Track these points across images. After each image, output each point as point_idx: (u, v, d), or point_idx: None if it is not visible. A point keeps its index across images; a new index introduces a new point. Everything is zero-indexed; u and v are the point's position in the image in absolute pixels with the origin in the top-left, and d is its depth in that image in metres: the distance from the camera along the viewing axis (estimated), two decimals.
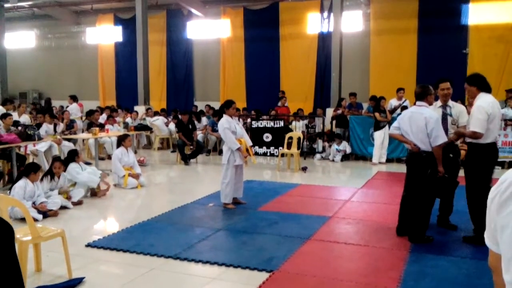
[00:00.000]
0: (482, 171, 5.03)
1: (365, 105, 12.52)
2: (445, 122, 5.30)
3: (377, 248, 4.90)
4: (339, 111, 11.96)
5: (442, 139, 4.88)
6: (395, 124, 5.35)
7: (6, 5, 16.73)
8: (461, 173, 5.38)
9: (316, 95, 15.60)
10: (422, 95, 5.11)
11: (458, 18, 13.89)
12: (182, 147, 10.94)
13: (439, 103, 5.47)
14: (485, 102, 4.87)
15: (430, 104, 5.17)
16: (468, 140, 5.09)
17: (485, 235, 1.34)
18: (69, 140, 10.21)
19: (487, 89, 5.01)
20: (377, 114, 10.56)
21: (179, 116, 12.18)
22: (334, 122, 11.90)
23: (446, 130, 5.22)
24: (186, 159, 10.83)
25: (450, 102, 5.50)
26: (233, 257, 4.62)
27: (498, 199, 1.22)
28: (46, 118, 9.91)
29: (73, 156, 7.30)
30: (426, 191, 4.98)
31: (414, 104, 5.40)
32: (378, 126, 10.58)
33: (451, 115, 5.38)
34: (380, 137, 10.60)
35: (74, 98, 14.46)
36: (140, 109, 14.36)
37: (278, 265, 4.37)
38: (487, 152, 5.00)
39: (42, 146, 9.17)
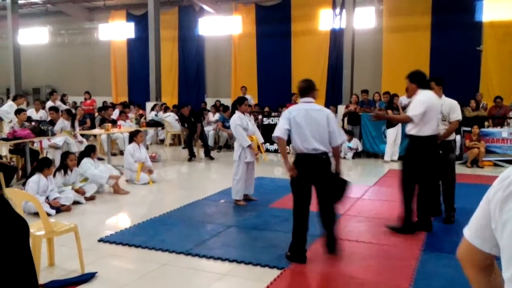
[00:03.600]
0: (422, 164, 5.13)
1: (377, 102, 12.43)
2: None
3: (389, 246, 4.87)
4: (350, 108, 11.90)
5: (343, 137, 4.59)
6: (283, 125, 4.42)
7: (20, 1, 16.89)
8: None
9: (327, 92, 15.53)
10: (308, 90, 4.55)
11: (472, 15, 13.71)
12: (190, 142, 10.93)
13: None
14: (424, 96, 5.13)
15: (315, 99, 4.59)
16: (409, 132, 5.25)
17: (468, 228, 1.34)
18: (82, 135, 10.29)
19: (426, 86, 5.28)
20: (389, 112, 10.50)
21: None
22: (345, 119, 11.84)
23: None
24: (193, 155, 10.82)
25: (442, 99, 5.61)
26: (244, 254, 4.63)
27: (501, 194, 1.21)
28: (63, 114, 10.00)
29: (89, 151, 7.39)
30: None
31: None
32: (390, 124, 10.51)
33: (441, 112, 5.51)
34: (393, 135, 10.54)
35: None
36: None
37: (289, 262, 4.37)
38: (426, 144, 5.10)
39: (59, 141, 9.26)
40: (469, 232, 1.34)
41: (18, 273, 1.29)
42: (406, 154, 5.45)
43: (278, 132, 4.44)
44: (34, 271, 1.36)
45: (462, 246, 1.38)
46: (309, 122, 4.34)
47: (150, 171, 8.29)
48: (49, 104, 12.65)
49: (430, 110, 5.04)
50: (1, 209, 1.27)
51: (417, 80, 5.26)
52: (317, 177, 4.45)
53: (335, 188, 4.55)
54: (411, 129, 5.18)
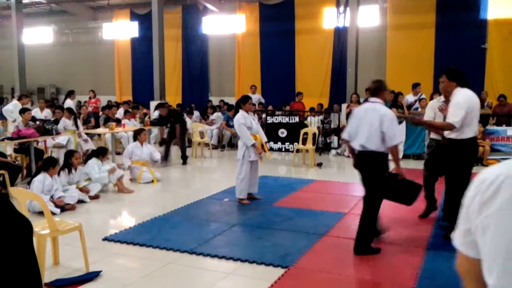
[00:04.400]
0: (461, 168, 4.88)
1: None
2: None
3: (394, 245, 4.86)
4: (352, 108, 11.88)
5: (398, 138, 4.57)
6: (347, 127, 4.96)
7: (25, 1, 16.93)
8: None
9: (331, 91, 15.50)
10: (377, 91, 4.72)
11: (477, 12, 13.64)
12: (168, 143, 10.09)
13: (442, 98, 5.38)
14: (463, 97, 4.74)
15: (385, 100, 4.81)
16: (447, 136, 4.92)
17: (456, 236, 1.29)
18: (87, 134, 10.31)
19: (465, 84, 4.87)
20: (394, 110, 10.44)
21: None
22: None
23: None
24: (166, 158, 9.90)
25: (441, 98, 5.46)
26: (248, 253, 4.63)
27: (480, 198, 1.16)
28: (65, 113, 10.02)
29: (99, 153, 7.41)
30: (377, 196, 4.59)
31: (366, 100, 5.09)
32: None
33: None
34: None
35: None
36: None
37: (293, 261, 4.37)
38: (467, 148, 4.84)
39: (62, 140, 9.29)
40: (456, 239, 1.30)
41: (22, 273, 1.29)
42: (443, 158, 5.06)
43: (344, 136, 5.01)
44: (37, 270, 1.36)
45: (458, 257, 1.33)
46: (364, 120, 4.57)
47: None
48: (69, 103, 12.68)
49: (471, 111, 4.67)
50: (4, 209, 1.27)
51: (457, 78, 4.84)
52: (366, 173, 4.61)
53: (405, 191, 4.63)
54: (450, 133, 4.85)
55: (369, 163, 4.55)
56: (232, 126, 11.14)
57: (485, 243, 1.16)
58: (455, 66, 5.08)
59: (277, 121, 11.97)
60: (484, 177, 1.18)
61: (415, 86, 11.22)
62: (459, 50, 13.53)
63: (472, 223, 1.20)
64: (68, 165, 6.75)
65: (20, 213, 1.34)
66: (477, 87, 12.87)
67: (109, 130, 9.81)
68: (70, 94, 13.58)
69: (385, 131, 4.41)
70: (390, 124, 4.44)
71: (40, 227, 4.12)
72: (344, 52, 14.27)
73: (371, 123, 4.48)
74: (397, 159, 4.53)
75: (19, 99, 11.59)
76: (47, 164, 6.22)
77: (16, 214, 1.32)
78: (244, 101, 6.68)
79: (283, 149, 11.86)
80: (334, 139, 11.85)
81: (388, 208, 6.36)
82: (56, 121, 9.67)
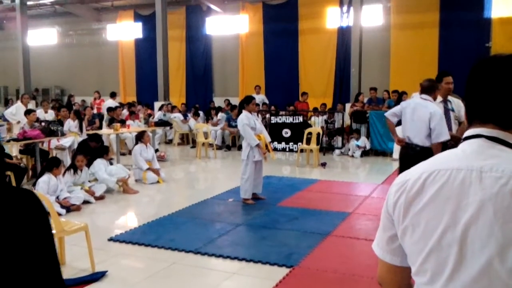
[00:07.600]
0: None
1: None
2: (448, 118, 5.18)
3: None
4: (356, 107, 11.86)
5: (444, 136, 4.74)
6: (395, 110, 5.31)
7: (29, 3, 17.01)
8: None
9: (335, 90, 15.49)
10: (430, 89, 4.98)
11: (481, 11, 13.60)
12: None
13: (439, 98, 5.28)
14: None
15: (434, 100, 5.05)
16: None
17: (377, 246, 1.28)
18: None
19: None
20: None
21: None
22: (352, 117, 11.82)
23: (450, 126, 5.13)
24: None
25: (449, 97, 5.38)
26: (253, 252, 4.64)
27: (404, 200, 1.16)
28: (70, 115, 10.05)
29: (102, 152, 7.46)
30: None
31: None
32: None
33: (453, 110, 5.26)
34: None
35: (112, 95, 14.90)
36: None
37: (298, 261, 4.38)
38: None
39: (66, 142, 9.32)
40: (379, 249, 1.28)
41: (44, 257, 1.15)
42: None
43: (387, 114, 5.42)
44: (55, 256, 1.21)
45: (379, 268, 1.30)
46: (413, 115, 4.92)
47: (156, 172, 8.28)
48: (110, 103, 12.93)
49: None
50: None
51: None
52: (407, 165, 4.64)
53: None
54: None
55: (412, 156, 4.74)
56: (234, 127, 11.19)
57: (413, 241, 1.15)
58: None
59: (281, 121, 11.98)
60: (405, 179, 1.19)
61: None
62: (463, 49, 13.48)
63: (398, 227, 1.19)
64: (74, 166, 6.79)
65: (32, 192, 1.21)
66: None
67: (113, 131, 9.84)
68: (113, 95, 13.96)
69: (433, 128, 4.72)
70: (439, 122, 4.73)
71: None
72: (347, 51, 14.27)
73: (420, 119, 4.80)
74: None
75: (21, 100, 11.70)
76: (51, 165, 6.25)
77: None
78: (247, 102, 6.70)
79: (287, 149, 11.87)
80: (338, 139, 11.85)
81: None
82: (61, 122, 9.71)
